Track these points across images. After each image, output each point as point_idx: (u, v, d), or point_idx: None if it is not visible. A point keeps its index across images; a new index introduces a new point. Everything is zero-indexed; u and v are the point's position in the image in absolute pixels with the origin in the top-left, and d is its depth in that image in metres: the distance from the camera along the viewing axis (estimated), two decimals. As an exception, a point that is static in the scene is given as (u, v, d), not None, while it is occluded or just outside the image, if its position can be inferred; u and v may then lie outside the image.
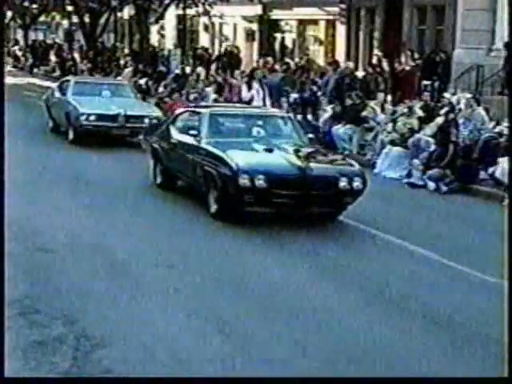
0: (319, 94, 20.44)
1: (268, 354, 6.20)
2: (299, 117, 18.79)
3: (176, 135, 12.07)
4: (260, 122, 11.66)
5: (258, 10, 30.13)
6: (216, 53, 32.01)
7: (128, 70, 29.97)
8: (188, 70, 27.84)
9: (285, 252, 9.25)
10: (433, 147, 14.55)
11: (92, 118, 16.69)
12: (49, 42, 45.82)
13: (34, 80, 34.27)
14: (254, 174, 9.96)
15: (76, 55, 37.29)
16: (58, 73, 36.68)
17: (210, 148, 10.86)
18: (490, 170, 13.51)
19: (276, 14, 29.93)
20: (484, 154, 14.06)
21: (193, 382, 5.57)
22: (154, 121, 16.45)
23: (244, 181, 9.92)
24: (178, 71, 28.03)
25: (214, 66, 27.86)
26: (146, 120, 16.61)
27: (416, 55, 21.23)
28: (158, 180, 12.55)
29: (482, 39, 19.89)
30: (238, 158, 10.33)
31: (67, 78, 21.12)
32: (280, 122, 12.11)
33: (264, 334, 6.61)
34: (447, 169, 13.91)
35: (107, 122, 16.72)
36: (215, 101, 22.08)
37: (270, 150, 10.64)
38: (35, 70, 39.80)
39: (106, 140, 16.78)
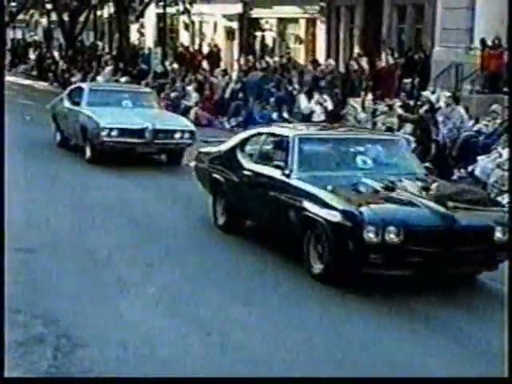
0: (295, 92, 20.49)
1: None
2: (275, 114, 18.85)
3: (249, 165, 9.37)
4: (366, 148, 9.00)
5: (238, 8, 30.13)
6: (193, 50, 31.94)
7: (109, 69, 29.86)
8: (169, 68, 27.77)
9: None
10: (413, 145, 14.63)
11: (114, 133, 14.20)
12: (28, 40, 45.59)
13: (13, 78, 34.04)
14: (385, 225, 7.38)
15: (55, 54, 37.10)
16: (36, 72, 36.58)
17: (307, 187, 8.18)
18: (470, 168, 13.61)
19: (256, 12, 29.94)
20: (463, 152, 14.15)
21: (192, 382, 5.56)
22: (187, 135, 14.55)
23: (370, 235, 7.36)
24: (158, 70, 27.97)
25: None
26: (177, 135, 14.51)
27: (396, 54, 21.33)
28: (221, 221, 9.91)
29: (461, 38, 20.00)
30: (355, 202, 7.69)
31: (78, 84, 18.58)
32: (391, 146, 9.30)
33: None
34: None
35: (132, 137, 14.26)
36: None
37: (390, 189, 8.03)
38: (14, 69, 39.59)
39: (129, 159, 14.58)
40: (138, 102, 15.78)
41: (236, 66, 28.17)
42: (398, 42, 23.49)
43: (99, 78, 29.62)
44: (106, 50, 37.24)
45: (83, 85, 17.58)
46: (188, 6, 30.08)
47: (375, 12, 24.21)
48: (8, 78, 24.81)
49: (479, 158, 13.44)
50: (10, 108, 23.01)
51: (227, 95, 22.76)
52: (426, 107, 16.00)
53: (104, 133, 14.15)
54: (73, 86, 17.80)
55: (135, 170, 14.01)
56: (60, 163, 14.81)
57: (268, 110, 19.92)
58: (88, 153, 14.70)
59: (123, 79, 27.56)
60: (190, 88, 23.78)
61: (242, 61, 26.61)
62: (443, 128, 15.04)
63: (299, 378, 5.66)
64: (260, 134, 9.82)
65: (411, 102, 17.24)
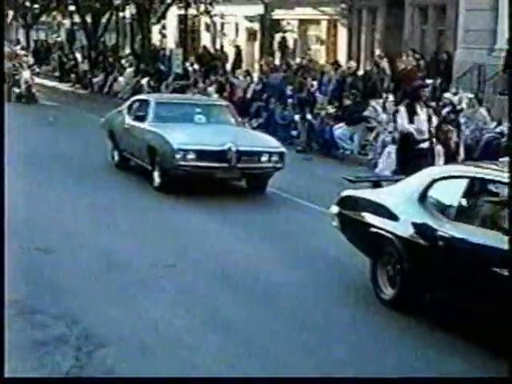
0: (317, 93, 20.46)
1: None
2: (297, 116, 18.82)
3: (443, 224, 6.69)
4: None
5: (259, 9, 30.11)
6: (214, 51, 31.99)
7: (130, 70, 29.98)
8: (190, 69, 27.83)
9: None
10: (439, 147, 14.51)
11: (191, 155, 11.79)
12: (50, 41, 45.85)
13: (37, 80, 34.21)
14: None
15: (78, 55, 37.28)
16: (58, 73, 36.76)
17: None
18: (492, 169, 13.47)
19: (278, 13, 29.92)
20: (485, 153, 14.04)
21: (193, 382, 5.56)
22: (275, 158, 12.15)
23: None
24: (179, 71, 28.03)
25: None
26: (264, 158, 12.09)
27: (417, 55, 21.23)
28: (387, 294, 7.26)
29: (484, 39, 19.86)
30: None
31: (140, 96, 16.07)
32: None
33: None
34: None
35: (211, 160, 11.85)
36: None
37: None
38: (37, 70, 39.80)
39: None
40: (212, 116, 13.41)
41: (257, 67, 28.16)
42: (420, 43, 23.38)
43: (121, 79, 29.78)
44: (128, 51, 37.39)
45: (148, 97, 15.18)
46: (209, 6, 30.14)
47: (397, 13, 24.11)
48: (25, 76, 24.94)
49: (501, 159, 13.31)
50: (36, 111, 23.61)
51: (248, 96, 22.76)
52: (448, 109, 15.89)
53: (178, 155, 11.72)
54: (134, 98, 15.08)
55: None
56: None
57: (289, 112, 19.89)
58: (157, 179, 12.22)
59: (144, 80, 27.67)
60: (210, 89, 23.82)
61: (263, 62, 26.60)
62: (466, 130, 14.93)
63: (299, 378, 5.63)
64: (458, 176, 6.90)
65: (433, 104, 17.13)
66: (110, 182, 13.09)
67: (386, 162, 15.21)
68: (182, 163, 11.74)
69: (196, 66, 28.14)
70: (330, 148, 17.38)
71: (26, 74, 25.29)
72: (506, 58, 17.50)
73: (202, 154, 11.81)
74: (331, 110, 18.23)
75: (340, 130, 17.43)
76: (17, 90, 24.95)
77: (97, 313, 6.89)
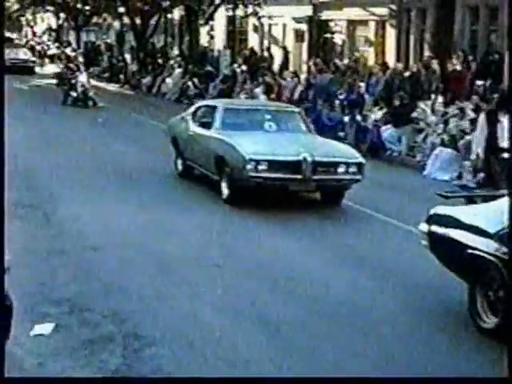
0: (366, 95, 20.36)
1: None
2: (347, 118, 18.74)
3: None
4: None
5: (308, 10, 30.05)
6: (262, 52, 32.05)
7: (178, 71, 30.20)
8: (238, 70, 27.92)
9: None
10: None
11: (263, 166, 11.00)
12: (100, 43, 46.43)
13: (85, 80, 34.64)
14: None
15: (127, 56, 37.69)
16: (108, 74, 37.21)
17: None
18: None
19: (326, 14, 29.81)
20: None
21: (194, 382, 5.58)
22: (353, 169, 11.31)
23: None
24: (227, 72, 28.14)
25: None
26: (341, 169, 11.27)
27: (468, 56, 20.95)
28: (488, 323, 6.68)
29: (536, 40, 19.48)
30: None
31: (205, 102, 15.37)
32: None
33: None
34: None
35: (285, 172, 11.07)
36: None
37: None
38: (87, 71, 40.35)
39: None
40: (283, 124, 12.55)
41: (305, 68, 28.10)
42: (471, 43, 23.08)
43: (168, 80, 30.02)
44: (176, 52, 37.68)
45: (215, 102, 14.27)
46: (257, 8, 30.18)
47: (447, 14, 23.84)
48: (81, 79, 25.14)
49: None
50: (86, 112, 23.84)
51: (295, 97, 22.74)
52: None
53: (250, 166, 10.92)
54: (198, 104, 14.41)
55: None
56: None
57: (336, 113, 19.82)
58: (225, 191, 11.45)
59: (192, 81, 27.85)
60: (258, 90, 23.87)
61: (311, 63, 26.55)
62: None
63: (299, 378, 5.63)
64: None
65: (484, 105, 16.90)
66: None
67: (434, 164, 15.08)
68: (253, 174, 10.93)
69: (243, 68, 28.22)
70: (377, 149, 17.27)
71: (82, 78, 25.32)
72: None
73: (274, 165, 11.02)
74: (378, 111, 18.12)
75: (388, 131, 17.32)
76: (74, 94, 24.99)
77: (145, 312, 6.96)
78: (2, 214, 5.62)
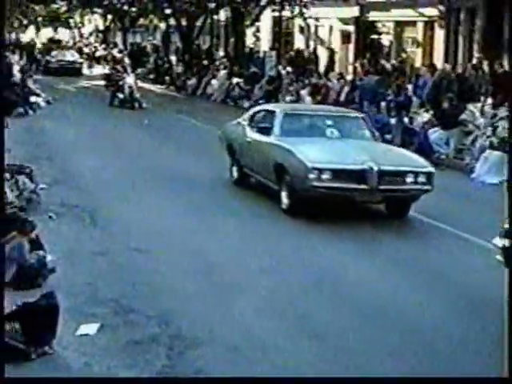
0: (413, 97, 20.19)
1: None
2: (393, 120, 18.60)
3: None
4: None
5: (354, 11, 29.93)
6: (308, 54, 32.02)
7: (223, 72, 30.32)
8: (283, 72, 27.92)
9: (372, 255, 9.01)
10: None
11: (326, 175, 10.43)
12: (146, 44, 46.88)
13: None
14: None
15: (172, 58, 37.96)
16: (153, 75, 37.52)
17: None
18: None
19: (373, 15, 29.67)
20: None
21: (195, 382, 5.57)
22: (422, 179, 10.67)
23: None
24: (272, 73, 28.16)
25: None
26: (409, 179, 10.64)
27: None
28: None
29: None
30: None
31: (263, 106, 14.39)
32: None
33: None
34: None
35: (350, 182, 10.49)
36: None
37: None
38: (133, 73, 40.77)
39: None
40: (345, 130, 11.96)
41: (351, 70, 28.00)
42: (521, 44, 22.70)
43: (214, 82, 30.16)
44: (222, 53, 37.85)
45: (273, 107, 13.61)
46: (303, 9, 30.16)
47: (497, 14, 23.52)
48: (128, 81, 25.34)
49: None
50: (132, 114, 23.98)
51: (342, 99, 22.67)
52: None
53: (312, 175, 10.37)
54: (256, 109, 13.69)
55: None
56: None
57: (383, 115, 19.69)
58: (285, 200, 10.92)
59: (235, 80, 27.96)
60: (303, 92, 23.85)
61: (358, 64, 26.45)
62: None
63: (299, 378, 5.59)
64: None
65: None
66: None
67: (483, 167, 14.88)
68: (316, 184, 10.35)
69: (289, 69, 28.21)
70: (424, 152, 17.09)
71: (129, 79, 25.48)
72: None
73: (338, 174, 10.43)
74: (426, 113, 17.95)
75: (435, 133, 17.14)
76: (120, 96, 25.15)
77: (190, 313, 6.99)
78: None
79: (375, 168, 10.39)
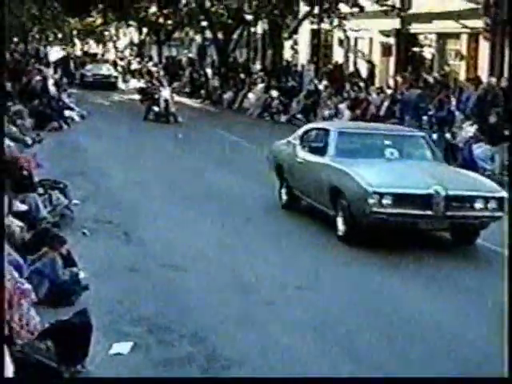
0: (456, 111, 20.04)
1: None
2: (435, 135, 18.48)
3: None
4: None
5: (395, 23, 29.86)
6: (347, 67, 32.02)
7: (260, 86, 30.42)
8: (321, 86, 27.93)
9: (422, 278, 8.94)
10: None
11: (387, 200, 9.86)
12: (181, 57, 47.26)
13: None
14: None
15: (208, 71, 38.19)
16: (189, 89, 37.78)
17: None
18: None
19: (414, 27, 29.56)
20: None
21: (195, 382, 5.56)
22: (492, 204, 10.03)
23: None
24: (310, 87, 28.19)
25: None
26: (478, 204, 10.01)
27: None
28: None
29: None
30: None
31: (315, 124, 14.10)
32: None
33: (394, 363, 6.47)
34: None
35: (413, 207, 9.92)
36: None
37: None
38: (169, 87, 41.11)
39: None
40: (406, 150, 11.42)
41: (392, 83, 27.90)
42: None
43: (251, 96, 30.28)
44: (259, 66, 37.99)
45: (327, 125, 12.94)
46: (343, 21, 30.18)
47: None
48: (164, 94, 25.49)
49: None
50: (167, 128, 24.07)
51: (382, 113, 22.60)
52: None
53: (372, 200, 9.83)
54: (308, 127, 13.14)
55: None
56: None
57: (425, 130, 19.57)
58: (341, 227, 10.39)
59: (274, 93, 28.02)
60: (342, 106, 23.82)
61: (399, 78, 26.35)
62: None
63: (298, 378, 5.57)
64: None
65: None
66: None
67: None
68: (376, 209, 9.80)
69: (327, 82, 28.21)
70: (468, 168, 16.94)
71: (165, 93, 25.59)
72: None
73: (401, 199, 9.86)
74: (470, 127, 17.80)
75: (480, 149, 16.98)
76: (156, 109, 25.32)
77: (224, 333, 6.99)
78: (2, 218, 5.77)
79: (442, 192, 9.80)
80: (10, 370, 4.86)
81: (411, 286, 8.72)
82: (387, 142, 11.36)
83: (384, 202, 9.82)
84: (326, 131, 11.80)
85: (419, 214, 9.86)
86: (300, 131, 12.88)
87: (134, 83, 41.85)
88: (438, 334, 7.22)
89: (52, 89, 26.28)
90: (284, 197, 12.49)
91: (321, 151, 11.39)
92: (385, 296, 8.36)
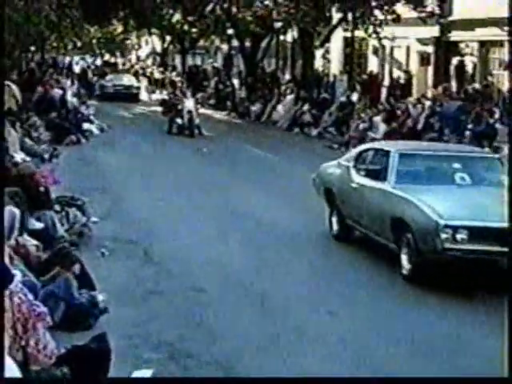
0: (498, 125, 19.90)
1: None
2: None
3: None
4: None
5: (434, 31, 29.81)
6: (382, 77, 32.00)
7: (290, 98, 30.48)
8: (355, 97, 27.92)
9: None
10: None
11: (462, 235, 9.11)
12: (206, 67, 47.47)
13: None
14: None
15: (235, 81, 38.33)
16: (214, 100, 37.94)
17: None
18: None
19: (455, 35, 29.49)
20: None
21: (195, 383, 5.62)
22: None
23: None
24: (343, 99, 28.19)
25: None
26: None
27: None
28: None
29: None
30: None
31: (372, 144, 13.17)
32: None
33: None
34: None
35: (492, 243, 9.12)
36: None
37: None
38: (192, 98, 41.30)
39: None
40: (479, 175, 10.65)
41: (430, 95, 27.83)
42: None
43: (280, 108, 30.34)
44: (288, 77, 38.07)
45: (385, 145, 12.05)
46: (378, 28, 30.17)
47: None
48: (188, 105, 25.56)
49: None
50: (191, 142, 24.01)
51: (420, 126, 22.53)
52: None
53: (445, 235, 9.08)
54: (363, 147, 12.43)
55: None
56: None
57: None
58: (406, 264, 9.60)
59: (306, 108, 28.05)
60: (377, 119, 23.79)
61: (438, 88, 26.28)
62: None
63: (299, 378, 5.63)
64: None
65: None
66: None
67: None
68: (449, 246, 9.05)
69: (361, 94, 28.20)
70: None
71: (188, 104, 25.62)
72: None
73: (478, 234, 9.09)
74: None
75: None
76: (179, 121, 25.35)
77: (250, 360, 6.98)
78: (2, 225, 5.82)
79: None
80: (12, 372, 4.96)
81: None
82: (457, 165, 10.58)
83: (458, 236, 9.06)
84: (386, 152, 10.94)
85: (499, 250, 8.93)
86: (354, 152, 12.21)
87: (157, 94, 42.14)
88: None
89: (74, 100, 26.52)
90: (335, 226, 11.72)
91: (380, 176, 10.59)
92: (437, 333, 7.95)
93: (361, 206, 10.97)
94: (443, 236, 9.06)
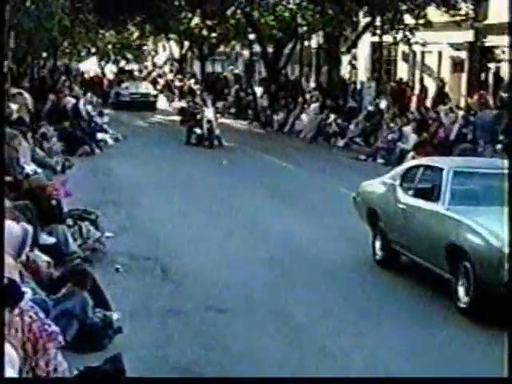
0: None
1: None
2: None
3: None
4: None
5: (468, 36, 29.74)
6: (412, 85, 31.94)
7: (314, 106, 30.48)
8: (383, 106, 27.88)
9: None
10: None
11: None
12: (226, 74, 47.57)
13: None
14: None
15: (256, 89, 38.38)
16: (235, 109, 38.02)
17: None
18: None
19: (490, 40, 29.40)
20: None
21: (195, 382, 5.71)
22: None
23: None
24: (371, 107, 28.16)
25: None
26: None
27: None
28: None
29: None
30: None
31: (421, 161, 12.40)
32: None
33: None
34: None
35: None
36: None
37: None
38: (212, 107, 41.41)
39: None
40: None
41: (463, 103, 27.75)
42: None
43: (304, 117, 30.35)
44: (313, 84, 38.09)
45: (437, 162, 11.30)
46: (408, 33, 30.14)
47: None
48: (207, 114, 25.57)
49: None
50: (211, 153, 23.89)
51: (452, 137, 22.46)
52: None
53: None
54: (412, 163, 12.10)
55: None
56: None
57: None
58: (464, 297, 9.10)
59: (331, 118, 28.04)
60: (407, 129, 23.72)
61: (472, 97, 26.19)
62: None
63: (299, 378, 5.75)
64: None
65: None
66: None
67: None
68: None
69: (390, 102, 28.15)
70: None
71: (208, 113, 25.65)
72: None
73: None
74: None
75: None
76: (198, 131, 25.32)
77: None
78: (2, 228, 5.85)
79: None
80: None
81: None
82: None
83: None
84: (438, 170, 10.41)
85: None
86: (400, 169, 11.76)
87: (175, 103, 42.29)
88: None
89: (88, 108, 26.66)
90: (379, 251, 11.21)
91: (431, 196, 10.06)
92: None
93: (409, 229, 10.48)
94: (507, 266, 8.48)
